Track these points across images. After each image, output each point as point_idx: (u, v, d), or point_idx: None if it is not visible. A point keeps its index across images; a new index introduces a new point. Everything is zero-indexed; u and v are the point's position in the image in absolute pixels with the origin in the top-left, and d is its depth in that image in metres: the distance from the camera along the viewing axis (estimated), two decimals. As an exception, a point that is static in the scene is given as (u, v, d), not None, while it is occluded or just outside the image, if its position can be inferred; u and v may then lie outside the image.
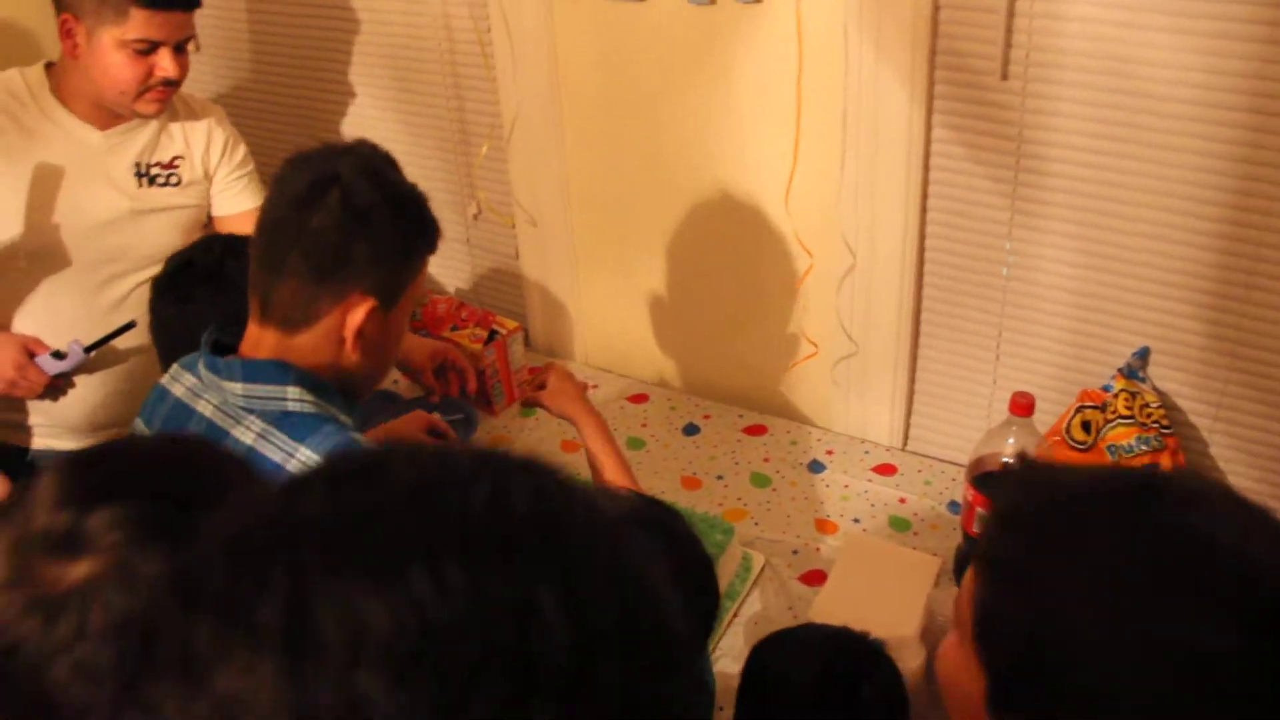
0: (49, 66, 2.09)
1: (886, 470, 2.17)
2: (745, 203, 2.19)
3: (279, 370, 1.44)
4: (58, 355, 2.07)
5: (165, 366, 1.82)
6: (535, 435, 2.34)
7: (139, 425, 1.57)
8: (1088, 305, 1.96)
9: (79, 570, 0.87)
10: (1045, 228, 1.93)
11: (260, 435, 1.44)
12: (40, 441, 2.26)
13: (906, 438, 2.26)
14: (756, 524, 2.04)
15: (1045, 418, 2.02)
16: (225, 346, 1.52)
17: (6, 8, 2.93)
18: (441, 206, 2.62)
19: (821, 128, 2.03)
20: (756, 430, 2.31)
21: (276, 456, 1.43)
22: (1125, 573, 0.89)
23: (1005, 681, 0.94)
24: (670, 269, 2.37)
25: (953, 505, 2.05)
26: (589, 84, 2.26)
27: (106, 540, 0.87)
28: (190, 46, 2.08)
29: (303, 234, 1.42)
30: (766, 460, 2.21)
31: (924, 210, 2.02)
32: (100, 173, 2.10)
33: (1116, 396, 1.88)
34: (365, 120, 2.68)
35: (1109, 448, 1.86)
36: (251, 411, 1.45)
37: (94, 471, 0.94)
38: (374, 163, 1.48)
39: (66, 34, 1.98)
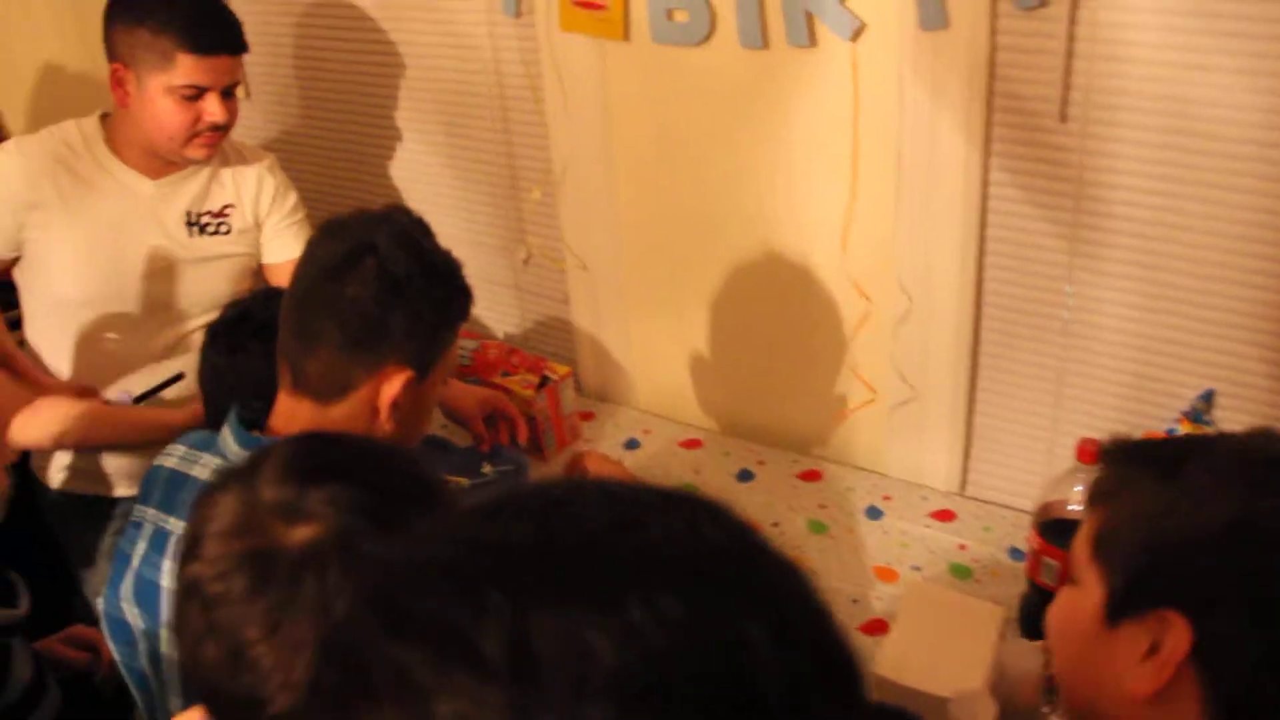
0: (104, 117, 2.11)
1: (945, 516, 2.13)
2: (799, 247, 2.17)
3: None
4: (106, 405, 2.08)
5: (209, 412, 1.82)
6: (587, 481, 2.32)
7: (158, 519, 1.47)
8: (1150, 347, 1.92)
9: (301, 533, 0.95)
10: (1106, 269, 1.90)
11: None
12: (121, 490, 2.23)
13: (964, 482, 2.22)
14: (814, 572, 2.00)
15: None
16: (251, 421, 1.47)
17: (70, 57, 2.96)
18: (490, 251, 2.64)
19: (875, 171, 2.01)
20: (811, 476, 2.27)
21: None
22: (1229, 476, 1.01)
23: (1123, 588, 1.04)
24: (723, 313, 2.35)
25: (1014, 552, 2.01)
26: (641, 129, 2.24)
27: (326, 512, 0.95)
28: (239, 92, 2.09)
29: (337, 303, 1.40)
30: (823, 507, 2.18)
31: (982, 253, 1.99)
32: (152, 222, 2.11)
33: (1182, 441, 1.84)
34: (415, 165, 2.68)
35: (1176, 494, 1.82)
36: None
37: (318, 453, 1.03)
38: (410, 231, 1.46)
39: (117, 83, 2.00)
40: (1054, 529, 1.74)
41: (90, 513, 2.22)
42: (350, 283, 1.39)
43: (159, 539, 1.44)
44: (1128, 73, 1.73)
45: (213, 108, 2.01)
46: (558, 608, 0.54)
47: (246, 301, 1.88)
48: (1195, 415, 1.87)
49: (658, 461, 2.36)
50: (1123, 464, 1.12)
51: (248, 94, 2.85)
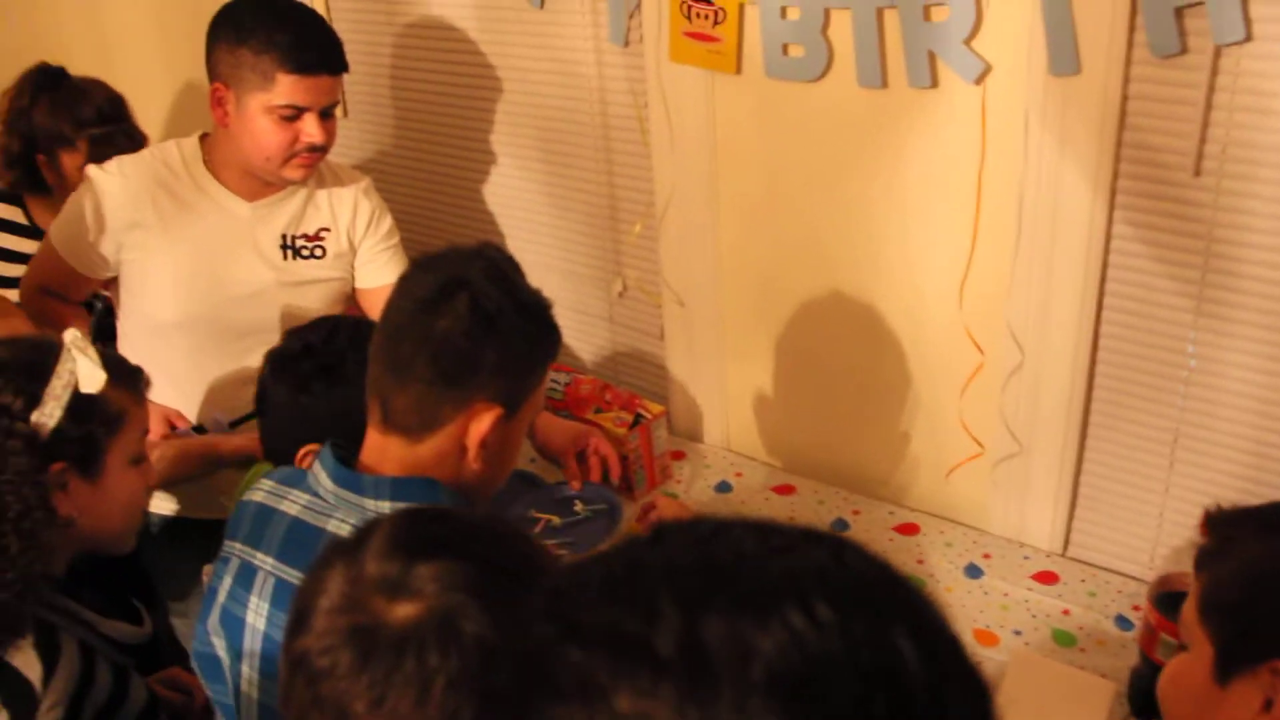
0: (203, 138, 2.09)
1: (1047, 578, 2.04)
2: (911, 293, 2.09)
3: (429, 488, 1.37)
4: (199, 430, 2.04)
5: (265, 443, 1.81)
6: (676, 522, 2.25)
7: (244, 553, 1.43)
8: (1274, 414, 1.82)
9: (404, 611, 0.95)
10: (1233, 331, 1.80)
11: None
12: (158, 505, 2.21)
13: (1067, 543, 2.12)
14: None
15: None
16: (344, 458, 1.43)
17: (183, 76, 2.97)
18: (585, 282, 2.59)
19: (995, 219, 1.93)
20: (908, 529, 2.19)
21: None
22: None
23: (1231, 643, 1.10)
24: (823, 356, 2.28)
25: (1120, 620, 1.91)
26: (749, 165, 2.18)
27: (430, 589, 0.95)
28: (337, 112, 2.06)
29: (430, 338, 1.36)
30: (920, 562, 2.09)
31: (1100, 307, 1.90)
32: (248, 244, 2.09)
33: (1310, 516, 1.74)
34: (511, 191, 2.64)
35: (1302, 572, 1.72)
36: None
37: (424, 528, 1.03)
38: (502, 268, 1.44)
39: (217, 103, 1.98)
40: (1172, 603, 1.64)
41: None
42: (443, 316, 1.36)
43: (245, 574, 1.40)
44: (1271, 126, 1.64)
45: (311, 128, 1.99)
46: (724, 614, 0.58)
47: (306, 333, 1.83)
48: (1322, 488, 1.77)
49: (749, 507, 2.29)
50: (1226, 526, 1.19)
51: (345, 113, 2.82)
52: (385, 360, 1.40)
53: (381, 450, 1.41)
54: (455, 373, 1.37)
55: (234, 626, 1.38)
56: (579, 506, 2.16)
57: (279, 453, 1.74)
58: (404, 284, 1.44)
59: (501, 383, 1.39)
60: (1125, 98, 1.73)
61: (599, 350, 2.69)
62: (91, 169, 2.07)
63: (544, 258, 2.66)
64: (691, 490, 2.35)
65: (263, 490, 1.47)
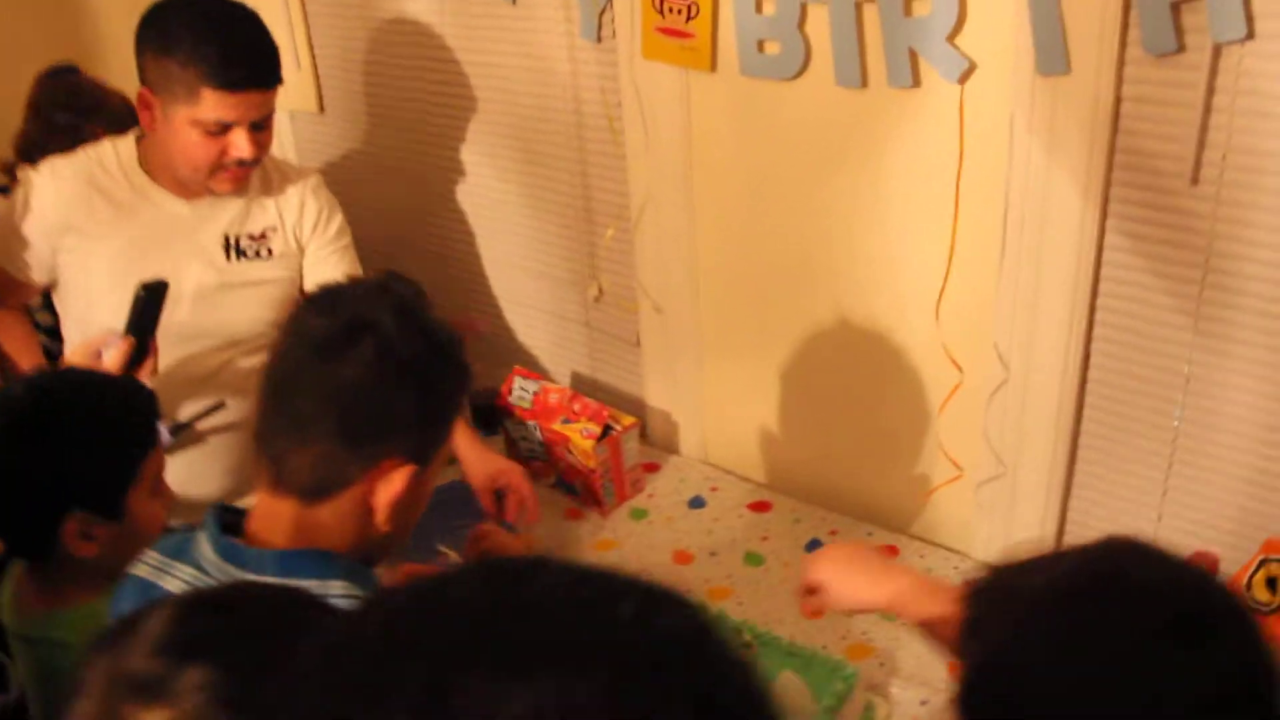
0: (140, 139, 1.96)
1: (1032, 609, 1.88)
2: (890, 304, 1.94)
3: (323, 563, 1.19)
4: None
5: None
6: (645, 541, 2.10)
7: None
8: (1275, 442, 1.66)
9: (154, 718, 0.84)
10: (1232, 352, 1.64)
11: None
12: None
13: (1055, 571, 1.97)
14: (882, 665, 1.76)
15: (1222, 567, 1.73)
16: (231, 524, 1.24)
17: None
18: (561, 285, 2.44)
19: (979, 228, 1.77)
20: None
21: None
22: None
23: None
24: (802, 369, 2.12)
25: (1107, 657, 1.75)
26: (725, 166, 2.03)
27: (188, 699, 0.84)
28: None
29: (334, 391, 1.17)
30: (898, 587, 1.94)
31: (1091, 324, 1.74)
32: (189, 245, 1.95)
33: (1311, 552, 1.58)
34: (486, 190, 2.50)
35: (1300, 613, 1.56)
36: None
37: (204, 621, 0.91)
38: (411, 305, 1.23)
39: (145, 107, 1.85)
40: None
41: None
42: (348, 364, 1.16)
43: None
44: (1274, 131, 1.48)
45: (239, 143, 1.84)
46: (483, 673, 0.53)
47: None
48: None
49: (723, 524, 2.14)
50: (977, 601, 1.04)
51: (322, 109, 2.69)
52: (277, 415, 1.20)
53: (272, 516, 1.22)
54: (365, 430, 1.18)
55: None
56: None
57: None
58: (296, 325, 1.22)
59: (416, 436, 1.22)
60: (1119, 99, 1.58)
61: (575, 356, 2.54)
62: (24, 171, 1.96)
63: (520, 259, 2.51)
64: (664, 506, 2.20)
65: (147, 565, 1.27)
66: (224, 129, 1.82)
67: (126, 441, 1.47)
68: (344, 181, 2.77)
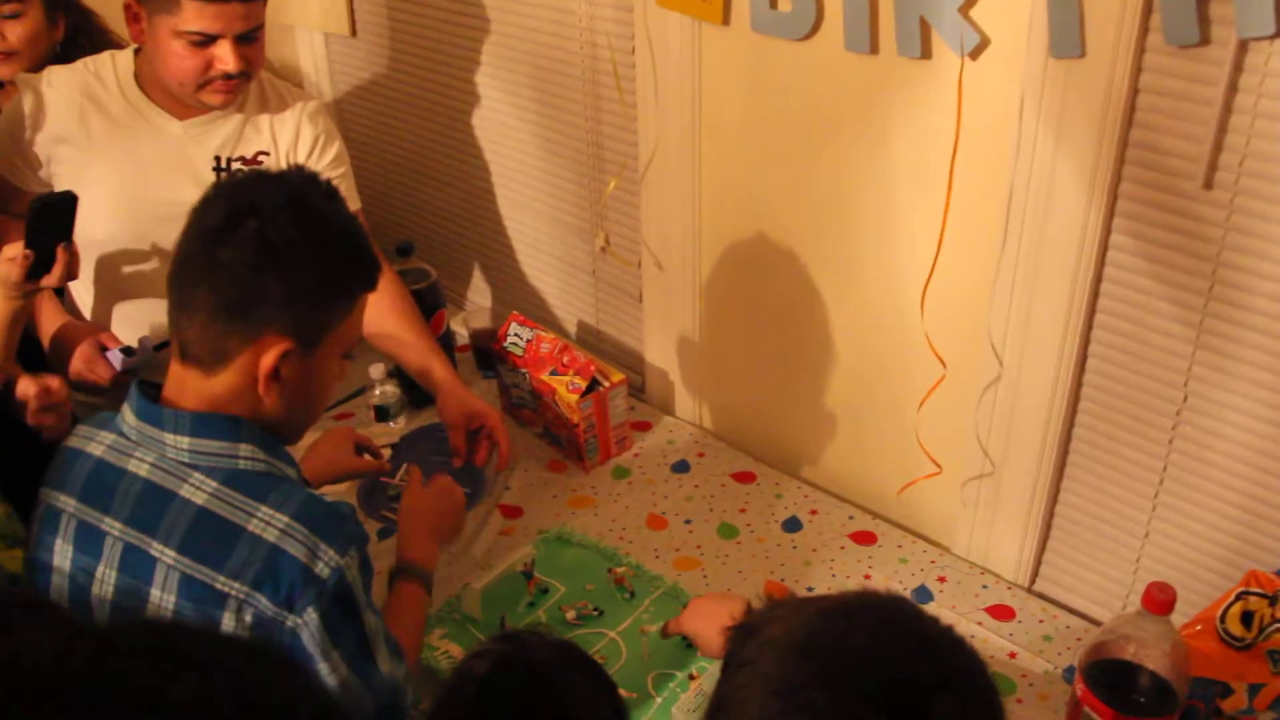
0: (138, 51, 1.88)
1: (1003, 613, 1.77)
2: (884, 287, 1.82)
3: (231, 426, 1.29)
4: (128, 351, 1.88)
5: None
6: (622, 503, 2.02)
7: (52, 497, 1.34)
8: (1274, 470, 1.53)
9: None
10: (1235, 370, 1.51)
11: (213, 494, 1.25)
12: None
13: (1035, 575, 1.85)
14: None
15: (1197, 596, 1.62)
16: (152, 394, 1.34)
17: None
18: (570, 231, 2.35)
19: (978, 213, 1.64)
20: (865, 538, 1.93)
21: (233, 516, 1.24)
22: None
23: None
24: (797, 341, 2.01)
25: (1070, 673, 1.64)
26: (731, 123, 1.91)
27: None
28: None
29: (212, 269, 1.25)
30: (867, 578, 1.84)
31: (1089, 325, 1.62)
32: (180, 163, 1.89)
33: (1293, 590, 1.45)
34: (505, 130, 2.40)
35: (1271, 653, 1.44)
36: (197, 468, 1.25)
37: None
38: (302, 192, 1.29)
39: (132, 19, 1.79)
40: (1105, 674, 1.38)
41: None
42: (227, 245, 1.24)
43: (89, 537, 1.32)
44: (1295, 140, 1.34)
45: (224, 55, 1.77)
46: None
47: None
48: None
49: (704, 491, 2.04)
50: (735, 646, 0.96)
51: (353, 31, 2.60)
52: (173, 292, 1.29)
53: (180, 383, 1.31)
54: (237, 305, 1.25)
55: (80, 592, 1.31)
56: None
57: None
58: (197, 211, 1.29)
59: (290, 316, 1.27)
60: (1135, 90, 1.44)
61: (582, 305, 2.45)
62: (20, 76, 1.91)
63: (533, 201, 2.42)
64: (648, 467, 2.11)
65: (76, 435, 1.37)
66: (208, 40, 1.75)
67: None
68: (372, 104, 2.71)
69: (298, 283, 1.26)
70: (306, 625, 1.22)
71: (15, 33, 2.10)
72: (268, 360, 1.26)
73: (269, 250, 1.24)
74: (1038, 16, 1.46)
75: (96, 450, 1.32)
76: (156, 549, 1.25)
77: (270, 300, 1.24)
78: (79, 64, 1.90)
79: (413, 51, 2.52)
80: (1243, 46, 1.33)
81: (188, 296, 1.26)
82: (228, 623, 1.22)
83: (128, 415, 1.32)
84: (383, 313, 1.94)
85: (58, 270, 1.67)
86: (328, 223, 1.30)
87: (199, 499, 1.25)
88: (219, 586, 1.22)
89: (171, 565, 1.24)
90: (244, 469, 1.27)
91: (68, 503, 1.31)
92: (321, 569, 1.22)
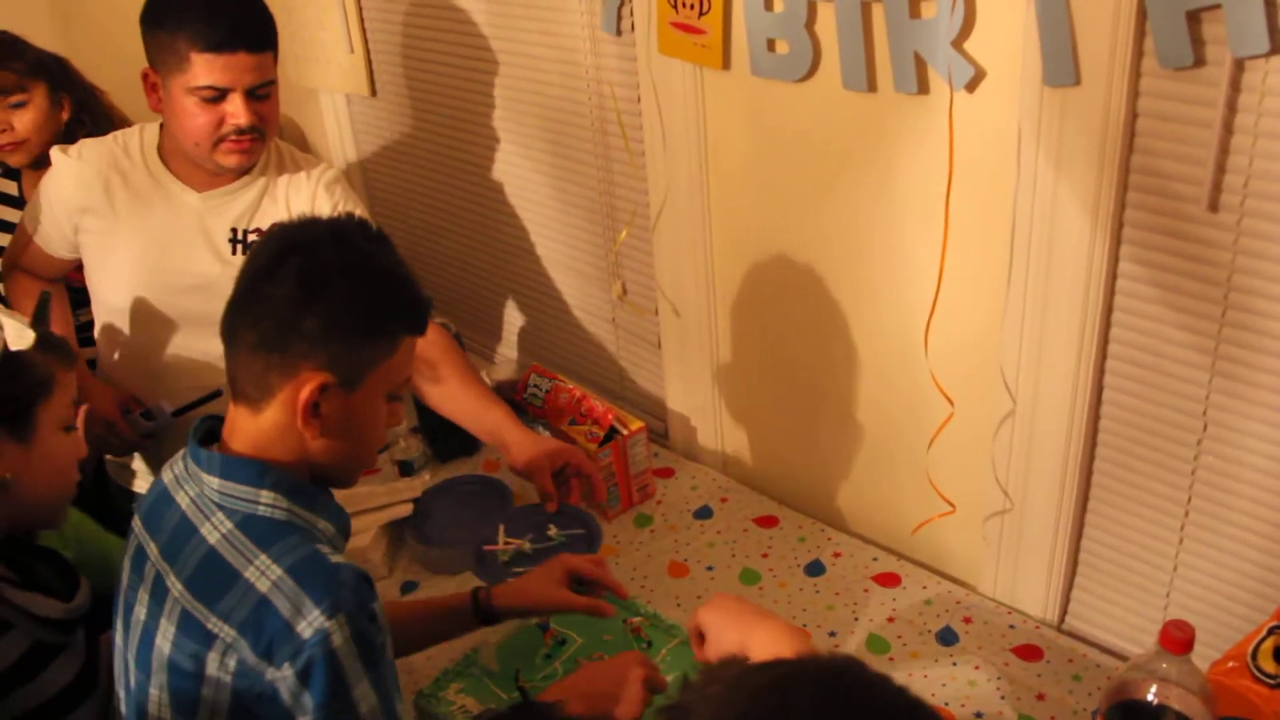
0: (164, 126, 1.90)
1: (1031, 654, 1.70)
2: (898, 320, 1.77)
3: (257, 472, 1.28)
4: (147, 415, 1.90)
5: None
6: (644, 551, 1.97)
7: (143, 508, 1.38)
8: (1303, 499, 1.46)
9: None
10: (1254, 397, 1.44)
11: (225, 536, 1.25)
12: (141, 485, 2.12)
13: (1064, 614, 1.78)
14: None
15: (1231, 631, 1.54)
16: (214, 433, 1.36)
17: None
18: (587, 281, 2.32)
19: (983, 246, 1.59)
20: (889, 580, 1.86)
21: (234, 560, 1.22)
22: None
23: None
24: (812, 383, 1.96)
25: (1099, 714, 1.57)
26: (738, 167, 1.88)
27: None
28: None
29: (255, 305, 1.26)
30: (891, 620, 1.77)
31: (1103, 355, 1.56)
32: (199, 235, 1.91)
33: (1325, 624, 1.38)
34: (521, 184, 2.40)
35: (1306, 690, 1.36)
36: (222, 508, 1.27)
37: None
38: (346, 231, 1.30)
39: (150, 89, 1.82)
40: (1124, 716, 1.31)
41: None
42: (270, 282, 1.25)
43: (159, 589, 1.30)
44: (1299, 159, 1.28)
45: (235, 109, 1.77)
46: None
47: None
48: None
49: (725, 537, 1.99)
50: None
51: (373, 91, 2.61)
52: (224, 333, 1.30)
53: (233, 423, 1.32)
54: (276, 338, 1.25)
55: (145, 648, 1.30)
56: (553, 531, 1.88)
57: None
58: (250, 255, 1.31)
59: (327, 350, 1.25)
60: (1133, 115, 1.39)
61: (603, 354, 2.41)
62: (55, 150, 1.94)
63: (551, 253, 2.40)
64: (670, 514, 2.07)
65: (170, 470, 1.38)
66: (220, 95, 1.76)
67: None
68: (393, 162, 2.71)
69: (334, 317, 1.24)
70: (284, 680, 1.18)
71: (22, 121, 2.15)
72: (305, 393, 1.25)
73: (307, 283, 1.24)
74: (1030, 45, 1.41)
75: (167, 477, 1.35)
76: (171, 580, 1.25)
77: (307, 333, 1.24)
78: (109, 136, 1.94)
79: (430, 108, 2.53)
80: (1239, 65, 1.28)
81: (236, 335, 1.28)
82: (214, 664, 1.20)
83: (186, 457, 1.34)
84: (437, 366, 1.94)
85: None
86: (370, 260, 1.29)
87: (212, 538, 1.24)
88: (210, 626, 1.20)
89: (177, 598, 1.24)
90: (262, 514, 1.25)
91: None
92: (304, 628, 1.17)
